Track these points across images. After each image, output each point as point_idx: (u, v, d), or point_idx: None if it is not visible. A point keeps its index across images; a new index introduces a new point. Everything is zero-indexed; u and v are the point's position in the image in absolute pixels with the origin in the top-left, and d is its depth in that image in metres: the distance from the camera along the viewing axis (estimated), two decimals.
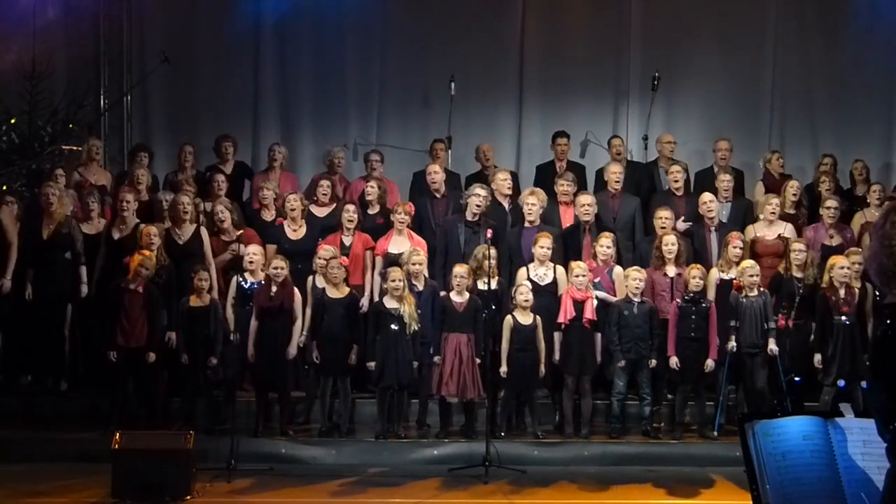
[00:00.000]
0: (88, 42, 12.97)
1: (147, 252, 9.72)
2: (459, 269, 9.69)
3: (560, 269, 9.97)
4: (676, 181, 11.05)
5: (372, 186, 10.96)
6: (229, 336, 9.62)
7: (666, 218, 10.37)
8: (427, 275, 10.09)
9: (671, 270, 9.94)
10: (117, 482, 8.14)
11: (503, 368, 9.53)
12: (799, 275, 9.88)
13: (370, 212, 10.92)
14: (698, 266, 9.78)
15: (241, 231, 10.20)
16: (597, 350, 9.79)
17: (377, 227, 10.61)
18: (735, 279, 9.75)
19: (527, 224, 10.37)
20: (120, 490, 8.13)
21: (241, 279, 9.83)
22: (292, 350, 9.68)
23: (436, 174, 11.06)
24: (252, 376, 9.82)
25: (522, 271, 9.97)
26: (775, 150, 12.08)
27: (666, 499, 8.56)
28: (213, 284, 10.03)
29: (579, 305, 9.66)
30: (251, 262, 9.81)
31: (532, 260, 10.03)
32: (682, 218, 10.77)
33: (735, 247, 9.90)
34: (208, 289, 9.78)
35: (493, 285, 9.62)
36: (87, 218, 10.53)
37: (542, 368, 9.62)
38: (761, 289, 9.68)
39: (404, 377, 9.56)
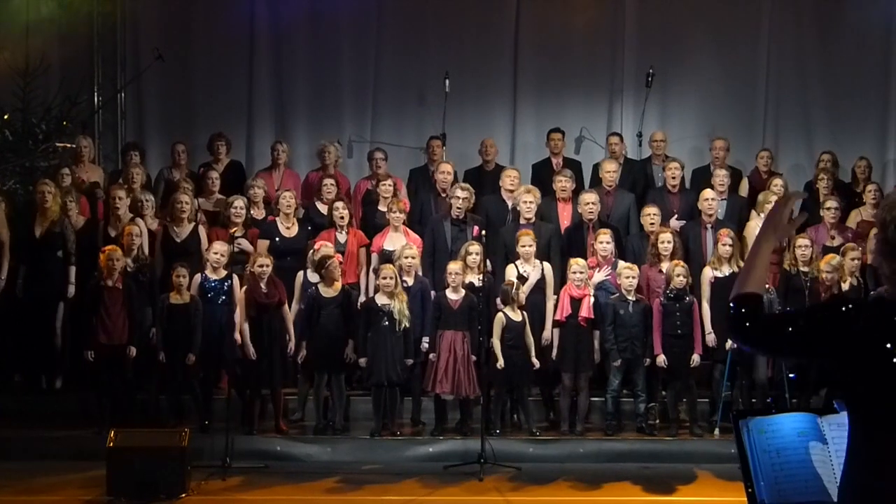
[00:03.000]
0: (82, 39, 12.95)
1: (111, 247, 9.72)
2: (453, 266, 9.70)
3: (547, 265, 9.99)
4: (674, 178, 11.07)
5: (388, 185, 10.95)
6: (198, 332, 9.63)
7: (654, 214, 10.39)
8: (421, 271, 10.12)
9: (666, 267, 9.94)
10: (112, 480, 8.13)
11: (500, 363, 9.52)
12: (805, 269, 9.89)
13: (382, 209, 10.90)
14: (681, 263, 9.77)
15: (244, 228, 10.25)
16: (594, 348, 9.80)
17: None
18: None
19: (523, 221, 10.38)
20: (115, 488, 8.12)
21: (203, 277, 9.78)
22: (293, 346, 9.69)
23: (448, 174, 11.05)
24: (244, 374, 9.71)
25: (511, 268, 9.98)
26: (766, 149, 12.10)
27: (661, 495, 8.56)
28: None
29: (576, 303, 9.67)
30: (217, 261, 9.77)
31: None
32: (676, 216, 10.78)
33: (725, 244, 9.89)
34: (188, 286, 9.75)
35: (477, 282, 9.61)
36: (67, 216, 10.45)
37: (535, 361, 9.61)
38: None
39: (394, 374, 9.56)
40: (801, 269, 9.89)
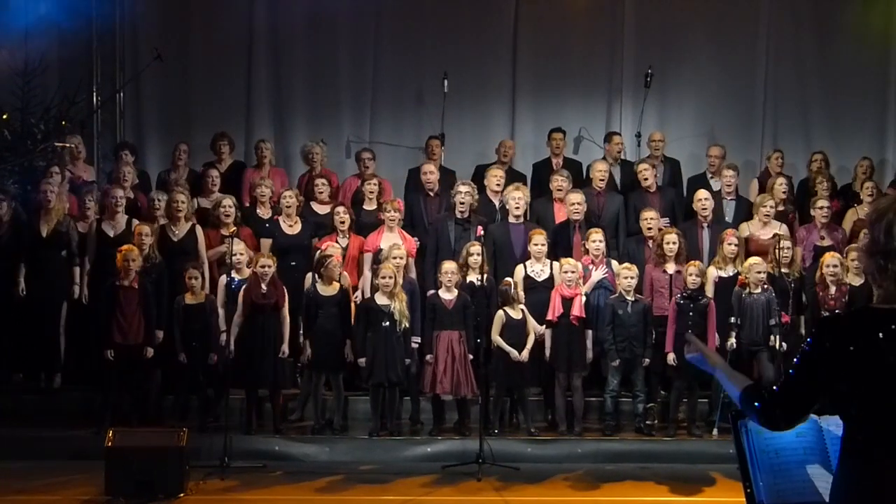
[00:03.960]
0: (81, 39, 12.94)
1: (128, 246, 9.72)
2: (448, 266, 9.71)
3: (557, 265, 9.99)
4: (646, 179, 11.08)
5: (373, 185, 10.96)
6: (219, 334, 9.64)
7: (651, 219, 10.42)
8: (414, 271, 10.16)
9: (671, 268, 9.95)
10: (110, 480, 8.11)
11: (514, 355, 9.52)
12: (786, 271, 9.91)
13: (367, 208, 10.91)
14: (696, 263, 9.76)
15: (235, 227, 10.23)
16: (587, 347, 9.80)
17: (378, 223, 10.55)
18: (741, 275, 9.76)
19: (511, 219, 10.40)
20: (113, 488, 8.10)
21: (229, 278, 9.86)
22: (286, 349, 9.68)
23: (431, 174, 11.07)
24: (240, 373, 9.70)
25: (520, 268, 9.99)
26: (777, 150, 12.10)
27: (659, 496, 8.57)
28: (206, 282, 10.02)
29: (567, 302, 9.68)
30: (238, 261, 9.83)
31: (523, 255, 10.07)
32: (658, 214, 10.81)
33: (730, 244, 9.93)
34: (201, 286, 9.78)
35: (477, 282, 9.63)
36: (83, 217, 10.51)
37: (526, 353, 9.58)
38: (765, 286, 9.67)
39: (394, 374, 9.56)
40: (783, 270, 9.90)
